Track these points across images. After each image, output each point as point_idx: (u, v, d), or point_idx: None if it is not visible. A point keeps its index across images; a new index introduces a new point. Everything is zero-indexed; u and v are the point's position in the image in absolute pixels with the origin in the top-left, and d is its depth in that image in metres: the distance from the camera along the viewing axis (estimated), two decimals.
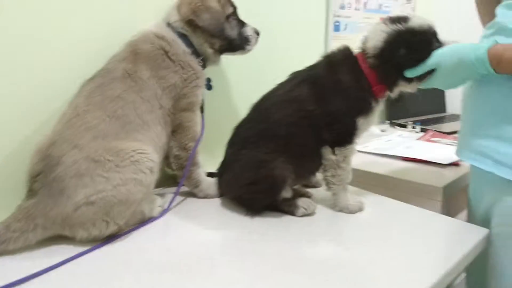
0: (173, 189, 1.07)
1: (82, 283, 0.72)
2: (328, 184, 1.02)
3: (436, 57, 0.93)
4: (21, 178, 0.86)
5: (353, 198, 1.02)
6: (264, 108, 1.03)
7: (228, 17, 1.05)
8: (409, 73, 0.95)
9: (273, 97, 1.03)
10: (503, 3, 0.95)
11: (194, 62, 1.02)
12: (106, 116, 0.87)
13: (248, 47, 1.10)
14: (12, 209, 0.82)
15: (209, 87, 1.11)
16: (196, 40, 1.03)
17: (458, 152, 1.03)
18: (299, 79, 1.01)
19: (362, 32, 1.78)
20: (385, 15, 1.89)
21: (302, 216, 0.98)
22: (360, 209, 1.02)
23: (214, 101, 1.24)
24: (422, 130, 1.81)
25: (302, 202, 0.99)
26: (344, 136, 0.98)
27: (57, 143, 0.84)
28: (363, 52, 0.98)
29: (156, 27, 1.01)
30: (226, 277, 0.75)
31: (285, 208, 0.99)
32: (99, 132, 0.85)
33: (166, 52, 0.98)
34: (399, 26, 0.94)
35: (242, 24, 1.09)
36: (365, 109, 0.98)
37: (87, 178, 0.81)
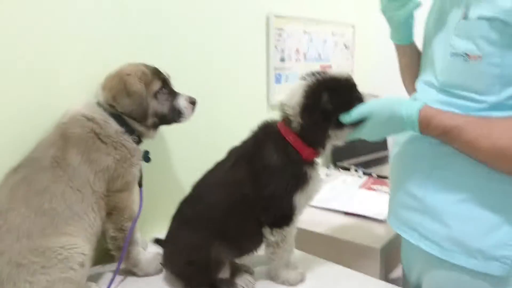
0: (113, 265, 1.03)
1: None
2: (269, 259, 1.01)
3: (370, 106, 0.91)
4: None
5: (294, 271, 1.02)
6: (202, 190, 1.02)
7: (156, 93, 1.03)
8: (344, 118, 0.92)
9: (211, 177, 1.02)
10: (420, 78, 0.98)
11: (128, 141, 0.99)
12: (31, 212, 0.82)
13: (182, 119, 1.08)
14: None
15: (147, 159, 1.08)
16: (128, 119, 1.00)
17: (388, 219, 1.06)
18: (233, 159, 1.00)
19: None
20: (324, 63, 1.98)
21: None
22: (301, 281, 1.02)
23: (154, 173, 1.21)
24: (365, 174, 1.87)
25: (241, 281, 0.99)
26: (282, 218, 0.97)
27: None
28: (285, 120, 0.96)
29: (86, 108, 0.97)
30: None
31: (224, 287, 0.98)
32: (23, 232, 0.81)
33: (97, 135, 0.94)
34: (317, 76, 0.95)
35: (174, 95, 1.07)
36: (300, 183, 0.96)
37: (10, 285, 0.76)
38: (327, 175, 1.87)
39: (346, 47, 2.14)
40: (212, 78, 1.44)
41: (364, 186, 1.70)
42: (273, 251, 0.99)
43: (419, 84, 0.99)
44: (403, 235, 0.97)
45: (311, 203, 1.48)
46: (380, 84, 2.16)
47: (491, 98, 0.81)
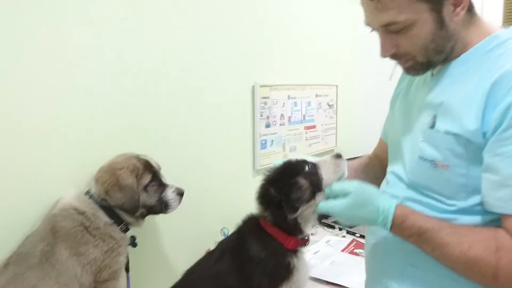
0: None
1: None
2: None
3: (352, 185, 0.92)
4: None
5: None
6: (190, 281, 1.04)
7: (146, 186, 1.08)
8: (321, 204, 0.94)
9: (199, 269, 1.05)
10: (391, 168, 1.03)
11: (116, 231, 1.04)
12: None
13: (169, 211, 1.13)
14: None
15: (134, 244, 1.13)
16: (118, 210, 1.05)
17: None
18: (219, 252, 1.04)
19: (287, 144, 1.92)
20: (308, 124, 2.06)
21: None
22: None
23: (140, 257, 1.25)
24: (348, 233, 1.92)
25: None
26: None
27: None
28: (262, 216, 1.02)
29: (77, 200, 1.02)
30: None
31: None
32: None
33: (86, 228, 0.99)
34: (266, 173, 1.03)
35: (163, 187, 1.12)
36: (284, 275, 0.98)
37: None
38: (312, 234, 1.91)
39: (329, 106, 2.23)
40: (200, 146, 1.50)
41: (346, 249, 1.75)
42: None
43: (389, 175, 1.03)
44: None
45: None
46: (363, 138, 2.25)
47: (459, 203, 0.85)
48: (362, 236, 1.87)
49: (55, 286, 0.91)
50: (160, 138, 1.34)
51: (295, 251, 1.02)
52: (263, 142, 1.77)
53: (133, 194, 1.04)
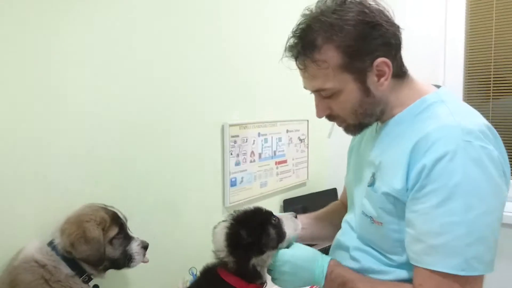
0: None
1: None
2: None
3: (287, 256, 1.00)
4: None
5: None
6: None
7: (112, 239, 1.10)
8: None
9: None
10: (346, 216, 1.10)
11: (78, 283, 1.05)
12: None
13: (132, 265, 1.14)
14: None
15: None
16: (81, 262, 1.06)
17: None
18: None
19: (258, 180, 1.95)
20: (279, 159, 2.10)
21: None
22: None
23: None
24: None
25: None
26: None
27: None
28: (222, 263, 1.04)
29: (39, 252, 1.03)
30: None
31: None
32: None
33: (46, 281, 1.00)
34: (233, 215, 1.06)
35: (128, 240, 1.14)
36: None
37: None
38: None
39: (300, 140, 2.29)
40: (170, 185, 1.53)
41: None
42: None
43: (343, 223, 1.10)
44: None
45: None
46: (334, 171, 2.31)
47: (397, 258, 0.92)
48: None
49: None
50: (128, 178, 1.36)
51: None
52: (233, 179, 1.80)
53: (99, 247, 1.05)
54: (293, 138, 2.21)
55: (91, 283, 1.10)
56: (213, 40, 1.69)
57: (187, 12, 1.57)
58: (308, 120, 2.33)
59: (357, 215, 1.01)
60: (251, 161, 1.90)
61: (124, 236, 1.13)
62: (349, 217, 1.08)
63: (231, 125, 1.77)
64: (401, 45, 0.93)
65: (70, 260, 1.05)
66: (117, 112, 1.33)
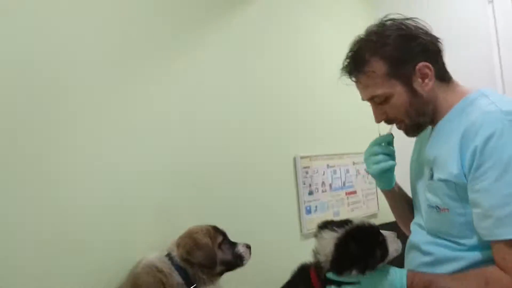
0: None
1: None
2: None
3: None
4: None
5: None
6: None
7: (219, 245, 1.27)
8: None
9: None
10: (414, 220, 1.16)
11: None
12: None
13: (244, 262, 1.30)
14: None
15: None
16: (192, 271, 1.22)
17: None
18: None
19: (331, 209, 2.05)
20: (348, 190, 2.20)
21: None
22: None
23: None
24: None
25: None
26: None
27: None
28: (316, 265, 1.06)
29: (158, 260, 1.21)
30: None
31: None
32: None
33: (163, 284, 1.16)
34: (346, 228, 1.05)
35: (234, 245, 1.31)
36: None
37: None
38: None
39: (367, 172, 2.37)
40: (249, 214, 1.68)
41: None
42: None
43: (412, 226, 1.17)
44: None
45: None
46: None
47: (468, 241, 0.98)
48: None
49: None
50: (215, 210, 1.53)
51: None
52: (308, 208, 1.93)
53: (210, 251, 1.23)
54: (360, 170, 2.31)
55: None
56: (284, 78, 1.92)
57: (263, 51, 1.82)
58: None
59: (424, 211, 1.08)
60: (322, 191, 2.02)
61: (229, 242, 1.30)
62: (416, 219, 1.16)
63: (302, 157, 1.93)
64: (441, 52, 1.07)
65: (182, 271, 1.21)
66: (210, 148, 1.56)
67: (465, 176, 0.95)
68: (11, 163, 1.07)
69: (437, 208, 1.02)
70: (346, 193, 2.19)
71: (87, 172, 1.22)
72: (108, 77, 1.30)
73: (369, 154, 1.20)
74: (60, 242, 1.13)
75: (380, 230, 1.09)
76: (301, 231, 1.89)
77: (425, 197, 1.07)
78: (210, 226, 1.30)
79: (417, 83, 1.04)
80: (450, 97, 1.06)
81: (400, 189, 1.32)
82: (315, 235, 1.11)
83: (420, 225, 1.12)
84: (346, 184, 2.20)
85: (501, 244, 0.89)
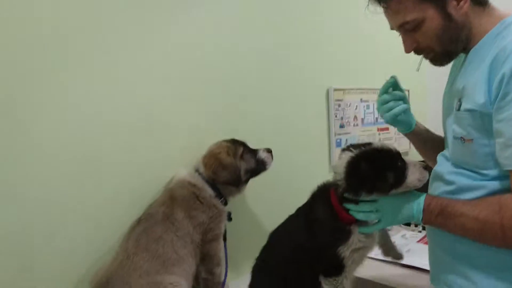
0: None
1: None
2: None
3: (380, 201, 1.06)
4: None
5: None
6: (272, 240, 1.24)
7: (241, 156, 1.32)
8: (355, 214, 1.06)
9: (280, 228, 1.23)
10: (442, 152, 1.15)
11: (218, 203, 1.27)
12: (150, 257, 1.11)
13: (267, 167, 1.36)
14: None
15: (229, 219, 1.35)
16: (220, 185, 1.28)
17: (432, 280, 1.16)
18: (296, 213, 1.20)
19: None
20: (382, 126, 2.18)
21: None
22: None
23: (235, 230, 1.46)
24: (423, 228, 1.98)
25: None
26: (332, 268, 1.09)
27: (112, 281, 1.07)
28: (335, 184, 1.09)
29: (190, 176, 1.27)
30: None
31: None
32: (144, 271, 1.09)
33: (197, 196, 1.23)
34: (362, 149, 1.08)
35: (255, 152, 1.35)
36: (342, 238, 1.07)
37: None
38: (388, 229, 2.00)
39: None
40: (281, 142, 1.69)
41: (421, 240, 1.82)
42: None
43: (439, 157, 1.16)
44: None
45: (371, 256, 1.64)
46: None
47: (491, 172, 0.96)
48: None
49: (174, 237, 1.15)
50: (243, 134, 1.52)
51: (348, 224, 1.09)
52: (338, 141, 1.93)
53: (235, 169, 1.28)
54: None
55: (227, 208, 1.32)
56: (320, 8, 1.85)
57: None
58: (409, 90, 2.36)
59: (450, 143, 1.07)
60: (354, 125, 2.01)
61: (249, 150, 1.35)
62: (444, 151, 1.14)
63: (335, 89, 1.90)
64: None
65: (212, 184, 1.27)
66: (245, 72, 1.57)
67: (491, 105, 0.91)
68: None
69: (462, 139, 1.00)
70: (378, 129, 2.17)
71: (118, 89, 1.23)
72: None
73: (380, 104, 1.21)
74: (92, 162, 1.18)
75: (404, 158, 1.09)
76: (330, 163, 1.91)
77: (451, 129, 1.05)
78: (228, 141, 1.33)
79: (451, 6, 0.97)
80: (486, 22, 0.99)
81: (426, 130, 1.29)
82: (339, 157, 1.14)
83: (446, 157, 1.11)
84: (379, 120, 2.17)
85: None
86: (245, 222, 1.58)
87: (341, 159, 1.10)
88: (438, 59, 1.06)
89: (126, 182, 1.25)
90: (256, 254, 1.28)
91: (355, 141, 2.02)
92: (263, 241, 1.28)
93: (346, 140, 1.97)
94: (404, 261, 1.58)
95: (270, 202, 1.64)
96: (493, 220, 0.91)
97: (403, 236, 1.91)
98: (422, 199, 1.04)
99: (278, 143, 1.68)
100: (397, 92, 1.18)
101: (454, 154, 1.06)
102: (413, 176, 1.06)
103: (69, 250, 1.14)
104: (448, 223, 1.00)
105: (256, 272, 1.25)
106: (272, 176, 1.47)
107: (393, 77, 1.18)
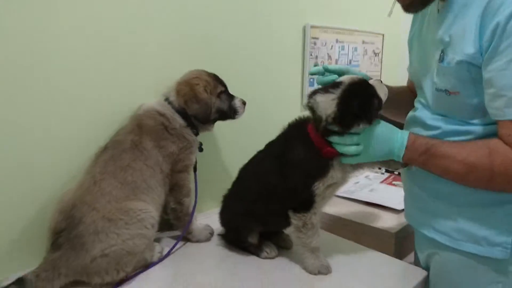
0: (168, 233, 1.32)
1: None
2: (295, 241, 1.16)
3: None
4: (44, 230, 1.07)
5: (316, 261, 1.12)
6: (242, 176, 1.24)
7: (219, 94, 1.27)
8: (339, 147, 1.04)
9: (249, 166, 1.24)
10: (418, 98, 1.13)
11: (189, 133, 1.24)
12: (118, 183, 1.08)
13: (237, 116, 1.33)
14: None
15: (201, 149, 1.32)
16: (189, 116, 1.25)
17: (406, 217, 1.23)
18: (267, 152, 1.20)
19: None
20: (355, 68, 2.16)
21: (265, 258, 1.20)
22: (320, 273, 1.11)
23: (205, 161, 1.45)
24: (387, 171, 2.05)
25: (266, 246, 1.21)
26: (302, 204, 1.10)
27: (78, 206, 1.04)
28: (315, 121, 1.06)
29: (159, 105, 1.22)
30: None
31: (252, 250, 1.22)
32: (113, 196, 1.06)
33: (165, 127, 1.19)
34: (342, 88, 1.04)
35: (231, 97, 1.32)
36: (319, 174, 1.07)
37: (103, 234, 1.01)
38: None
39: (375, 54, 2.32)
40: (254, 80, 1.66)
41: (385, 181, 1.89)
42: (297, 235, 1.11)
43: (416, 103, 1.14)
44: (418, 228, 1.15)
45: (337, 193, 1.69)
46: None
47: (478, 121, 0.96)
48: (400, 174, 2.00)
49: (143, 166, 1.12)
50: (214, 64, 1.45)
51: (331, 159, 1.08)
52: (311, 80, 1.91)
53: (207, 107, 1.24)
54: (368, 50, 2.25)
55: (198, 138, 1.29)
56: None
57: None
58: (383, 35, 2.35)
59: (430, 94, 1.04)
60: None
61: (228, 94, 1.31)
62: (420, 97, 1.12)
63: (312, 27, 1.85)
64: None
65: (183, 114, 1.23)
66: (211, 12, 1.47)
67: (481, 55, 0.88)
68: None
69: (446, 91, 0.97)
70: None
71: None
72: None
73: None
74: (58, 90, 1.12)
75: (371, 81, 1.09)
76: (302, 102, 1.90)
77: (431, 82, 1.02)
78: (210, 75, 1.29)
79: None
80: None
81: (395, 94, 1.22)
82: (308, 104, 1.09)
83: (424, 104, 1.09)
84: (352, 63, 2.15)
85: (508, 122, 0.88)
86: (216, 154, 1.58)
87: (323, 102, 1.04)
88: (413, 6, 1.00)
89: (92, 110, 1.20)
90: (226, 187, 1.29)
91: None
92: (233, 174, 1.28)
93: None
94: (368, 199, 1.65)
95: (240, 136, 1.63)
96: (482, 164, 0.91)
97: (366, 177, 1.97)
98: (406, 136, 1.02)
99: (251, 78, 1.65)
100: (328, 75, 1.15)
101: (437, 105, 1.03)
102: (382, 94, 1.08)
103: (35, 177, 1.11)
104: (431, 162, 0.99)
105: (227, 200, 1.27)
106: (245, 120, 1.44)
107: (315, 66, 1.18)
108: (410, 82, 1.33)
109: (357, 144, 1.04)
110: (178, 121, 1.22)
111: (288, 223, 1.14)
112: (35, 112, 1.09)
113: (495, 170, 0.90)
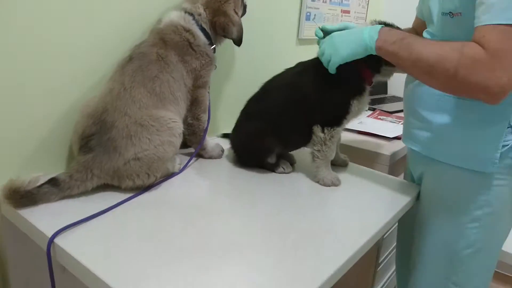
0: (183, 150, 1.36)
1: (134, 220, 0.96)
2: (313, 157, 1.22)
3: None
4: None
5: (331, 174, 1.21)
6: (267, 89, 1.28)
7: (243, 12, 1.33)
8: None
9: (278, 80, 1.27)
10: (426, 30, 1.20)
11: (210, 51, 1.25)
12: (147, 92, 1.09)
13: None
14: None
15: (214, 67, 1.34)
16: (214, 35, 1.27)
17: (403, 138, 1.32)
18: (301, 67, 1.25)
19: (326, 21, 2.09)
20: (344, 8, 2.22)
21: (280, 173, 1.28)
22: (333, 184, 1.20)
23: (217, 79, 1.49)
24: (370, 109, 2.18)
25: (283, 163, 1.29)
26: (335, 118, 1.18)
27: (109, 111, 1.05)
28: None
29: (184, 21, 1.20)
30: (229, 212, 1.04)
31: (268, 166, 1.29)
32: (143, 103, 1.08)
33: (190, 44, 1.20)
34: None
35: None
36: (358, 92, 1.17)
37: (136, 138, 1.04)
38: None
39: None
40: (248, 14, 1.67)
41: (372, 115, 2.02)
42: (319, 148, 1.19)
43: (425, 34, 1.20)
44: (414, 148, 1.24)
45: None
46: None
47: None
48: (384, 111, 2.13)
49: (170, 78, 1.14)
50: None
51: (366, 83, 1.20)
52: (308, 14, 1.94)
53: (241, 27, 1.29)
54: None
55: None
56: None
57: None
58: None
59: (437, 20, 1.10)
60: (323, 1, 2.02)
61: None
62: (430, 29, 1.17)
63: None
64: None
65: (206, 32, 1.24)
66: None
67: None
68: None
69: (450, 14, 1.03)
70: (342, 11, 2.21)
71: None
72: None
73: (320, 55, 1.17)
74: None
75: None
76: (298, 35, 1.94)
77: (439, 6, 1.08)
78: None
79: None
80: None
81: None
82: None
83: (432, 34, 1.15)
84: (344, 2, 2.20)
85: (486, 26, 0.89)
86: (229, 74, 1.61)
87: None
88: None
89: (114, 20, 1.18)
90: (235, 111, 1.33)
91: (322, 17, 2.05)
92: (242, 98, 1.33)
93: (315, 15, 1.99)
94: (361, 129, 1.77)
95: (241, 65, 1.66)
96: (451, 55, 0.92)
97: None
98: (377, 28, 1.06)
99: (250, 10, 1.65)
100: (327, 38, 1.17)
101: (443, 30, 1.09)
102: None
103: (57, 87, 1.10)
104: (403, 49, 1.00)
105: (244, 115, 1.31)
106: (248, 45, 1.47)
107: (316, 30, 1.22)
108: (416, 24, 1.40)
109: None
110: (202, 38, 1.23)
111: (306, 141, 1.23)
112: (53, 23, 1.06)
113: (461, 62, 0.90)
